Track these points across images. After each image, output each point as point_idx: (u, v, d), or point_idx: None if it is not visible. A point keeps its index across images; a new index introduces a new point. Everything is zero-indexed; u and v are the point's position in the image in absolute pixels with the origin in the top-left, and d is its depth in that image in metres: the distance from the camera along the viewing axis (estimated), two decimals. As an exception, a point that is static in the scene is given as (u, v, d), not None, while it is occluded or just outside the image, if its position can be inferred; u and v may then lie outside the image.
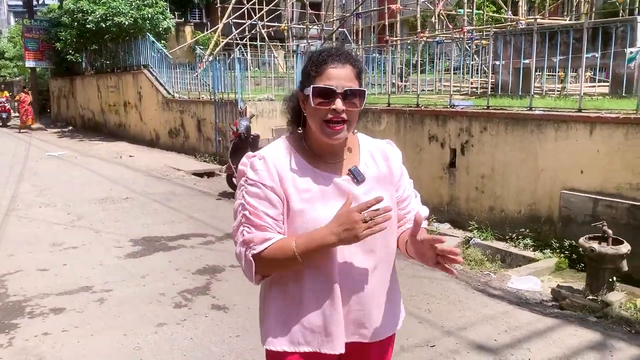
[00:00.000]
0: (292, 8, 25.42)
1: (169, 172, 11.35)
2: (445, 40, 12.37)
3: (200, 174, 11.27)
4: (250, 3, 20.61)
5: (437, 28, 15.09)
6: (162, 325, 4.06)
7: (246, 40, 20.97)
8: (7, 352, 3.64)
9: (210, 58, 15.10)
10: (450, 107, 7.15)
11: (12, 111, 24.55)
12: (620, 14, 14.70)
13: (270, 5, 20.39)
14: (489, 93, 7.18)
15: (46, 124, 23.01)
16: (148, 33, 16.15)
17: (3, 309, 4.32)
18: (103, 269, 5.30)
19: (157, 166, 12.04)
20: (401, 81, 11.44)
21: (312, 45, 20.33)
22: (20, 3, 45.21)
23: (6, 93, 26.05)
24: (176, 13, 24.78)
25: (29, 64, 22.68)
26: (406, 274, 4.96)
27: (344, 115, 1.56)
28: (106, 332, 3.95)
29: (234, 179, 7.96)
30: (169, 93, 15.06)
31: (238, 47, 18.42)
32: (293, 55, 23.15)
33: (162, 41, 17.25)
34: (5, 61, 36.31)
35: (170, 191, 9.32)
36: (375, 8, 19.10)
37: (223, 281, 4.99)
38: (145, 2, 16.53)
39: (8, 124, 23.26)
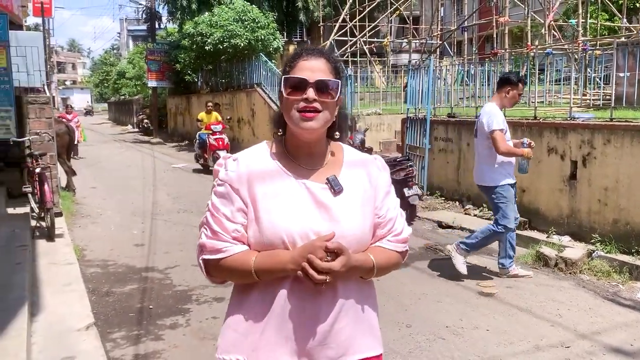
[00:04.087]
0: (391, 23, 25.89)
1: (283, 183, 12.09)
2: (554, 52, 12.20)
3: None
4: (354, 21, 21.33)
5: (546, 40, 14.85)
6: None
7: (347, 57, 21.71)
8: (188, 330, 4.30)
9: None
10: (571, 119, 7.19)
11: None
12: None
13: (375, 22, 20.95)
14: (612, 106, 7.15)
15: (164, 138, 24.93)
16: (260, 53, 17.23)
17: (174, 296, 5.05)
18: (247, 267, 5.94)
19: (272, 177, 12.83)
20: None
21: (413, 59, 20.64)
22: (138, 28, 49.35)
23: (217, 116, 15.18)
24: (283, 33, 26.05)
25: (151, 83, 24.77)
26: (533, 282, 5.15)
27: (316, 105, 1.51)
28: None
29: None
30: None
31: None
32: (393, 71, 23.69)
33: (272, 60, 18.29)
34: (125, 80, 39.82)
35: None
36: (479, 21, 19.06)
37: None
38: (259, 25, 17.63)
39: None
